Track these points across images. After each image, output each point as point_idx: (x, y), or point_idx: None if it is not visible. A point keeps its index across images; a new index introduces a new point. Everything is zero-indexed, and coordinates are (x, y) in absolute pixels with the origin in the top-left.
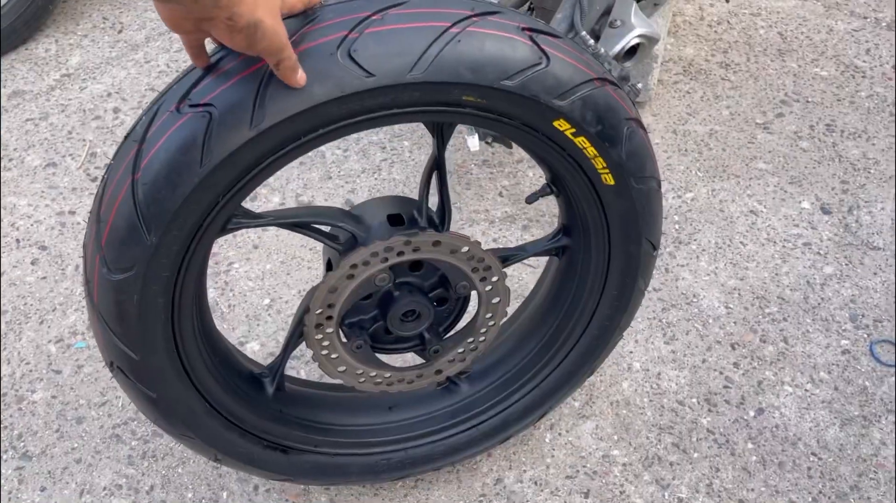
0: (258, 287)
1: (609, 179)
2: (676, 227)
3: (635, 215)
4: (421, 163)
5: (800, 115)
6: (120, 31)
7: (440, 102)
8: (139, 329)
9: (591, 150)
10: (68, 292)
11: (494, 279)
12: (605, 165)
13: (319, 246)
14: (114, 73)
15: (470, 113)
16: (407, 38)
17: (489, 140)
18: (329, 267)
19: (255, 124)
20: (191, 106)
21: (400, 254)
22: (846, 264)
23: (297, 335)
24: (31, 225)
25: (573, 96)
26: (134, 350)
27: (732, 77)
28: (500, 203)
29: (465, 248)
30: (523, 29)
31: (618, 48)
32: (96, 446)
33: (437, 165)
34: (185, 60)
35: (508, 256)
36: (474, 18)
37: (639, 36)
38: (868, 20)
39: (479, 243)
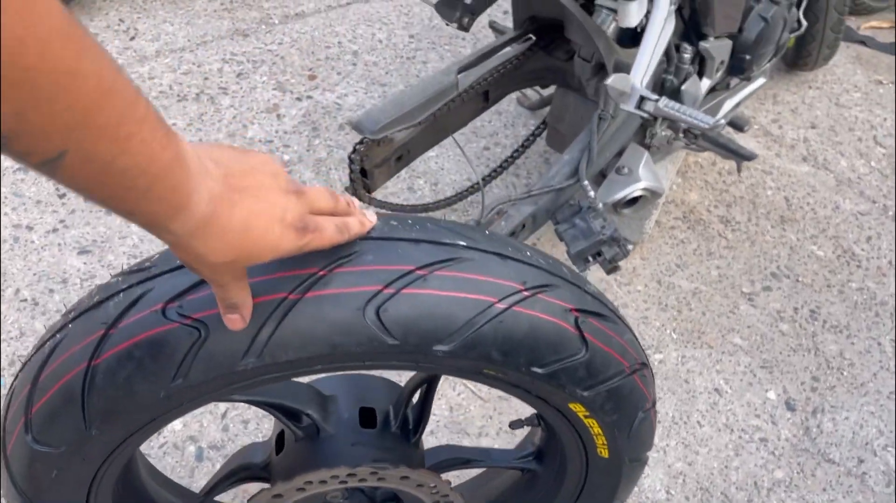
0: None
1: (604, 453)
2: None
3: (617, 482)
4: None
5: (787, 293)
6: (132, 38)
7: (453, 368)
8: (50, 496)
9: (596, 429)
10: None
11: None
12: (605, 443)
13: None
14: None
15: (480, 376)
16: (446, 309)
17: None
18: (280, 443)
19: (250, 357)
20: (180, 314)
21: (362, 480)
22: (798, 472)
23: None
24: None
25: (600, 387)
26: None
27: (730, 235)
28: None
29: (433, 484)
30: (572, 310)
31: (619, 196)
32: None
33: (427, 382)
34: (188, 90)
35: (470, 460)
36: (525, 293)
37: (643, 189)
38: (876, 205)
39: (449, 483)
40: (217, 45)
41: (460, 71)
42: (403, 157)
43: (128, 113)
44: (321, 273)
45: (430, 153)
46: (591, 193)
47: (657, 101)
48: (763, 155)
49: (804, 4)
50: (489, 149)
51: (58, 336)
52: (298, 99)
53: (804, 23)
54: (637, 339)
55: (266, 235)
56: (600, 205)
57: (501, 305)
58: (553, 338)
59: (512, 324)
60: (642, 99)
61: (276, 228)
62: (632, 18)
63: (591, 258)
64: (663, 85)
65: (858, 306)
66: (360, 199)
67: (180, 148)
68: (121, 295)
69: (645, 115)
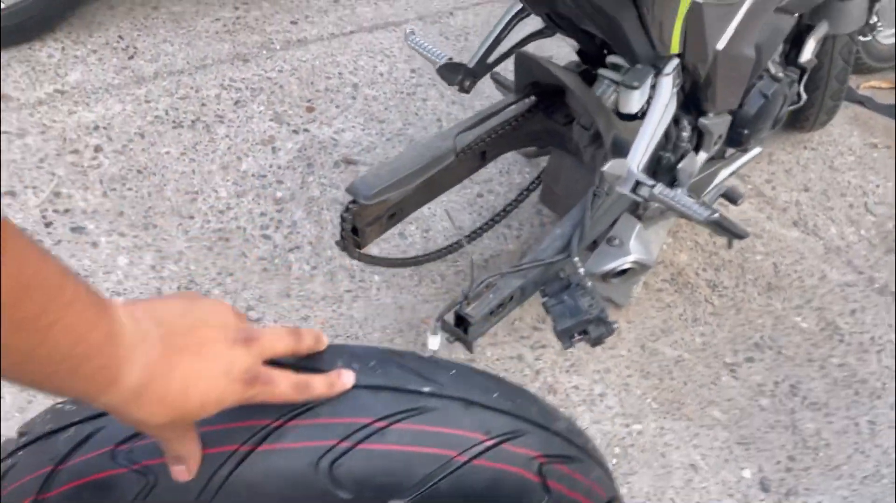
0: None
1: None
2: (615, 460)
3: None
4: (386, 305)
5: (769, 365)
6: (131, 57)
7: None
8: None
9: None
10: None
11: None
12: None
13: None
14: (109, 104)
15: None
16: (404, 463)
17: (451, 340)
18: None
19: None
20: (129, 460)
21: None
22: None
23: None
24: None
25: None
26: None
27: (716, 301)
28: None
29: None
30: (536, 458)
31: (608, 268)
32: None
33: None
34: (184, 116)
35: None
36: (487, 444)
37: (632, 262)
38: (862, 276)
39: None
40: (216, 70)
41: (458, 134)
42: (396, 214)
43: (51, 302)
44: (275, 425)
45: None
46: (582, 270)
47: (652, 187)
48: (755, 217)
49: (805, 78)
50: (482, 196)
51: (9, 461)
52: (295, 132)
53: (804, 96)
54: (608, 473)
55: (209, 392)
56: (589, 283)
57: (462, 458)
58: (514, 489)
59: (471, 477)
60: (638, 183)
61: (220, 383)
62: (633, 105)
63: (576, 335)
64: (660, 161)
65: (838, 383)
66: (350, 256)
67: (112, 321)
68: (72, 429)
69: (639, 200)
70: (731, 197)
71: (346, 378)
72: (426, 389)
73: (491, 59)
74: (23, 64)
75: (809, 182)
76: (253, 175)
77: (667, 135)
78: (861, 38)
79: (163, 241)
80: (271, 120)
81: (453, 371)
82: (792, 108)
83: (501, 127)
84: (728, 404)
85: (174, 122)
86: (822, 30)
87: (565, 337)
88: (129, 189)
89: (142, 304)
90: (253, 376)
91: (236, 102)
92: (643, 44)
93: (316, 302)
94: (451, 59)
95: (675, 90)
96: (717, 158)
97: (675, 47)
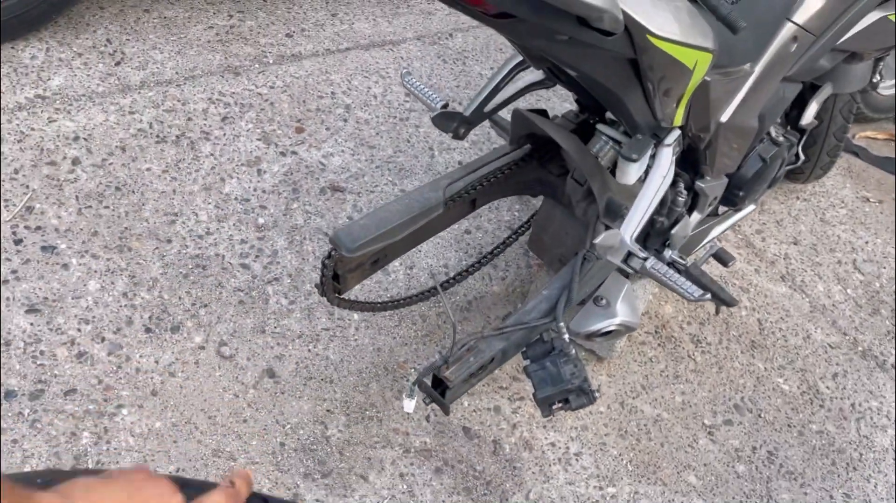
0: (137, 447)
1: None
2: None
3: None
4: (364, 346)
5: (747, 429)
6: (118, 63)
7: None
8: None
9: None
10: None
11: None
12: None
13: (232, 409)
14: (91, 114)
15: None
16: None
17: (427, 402)
18: None
19: None
20: None
21: None
22: None
23: None
24: None
25: None
26: None
27: (699, 358)
28: (421, 430)
29: None
30: None
31: (593, 329)
32: None
33: None
34: (169, 131)
35: None
36: None
37: (618, 324)
38: (847, 338)
39: None
40: (206, 82)
41: (448, 185)
42: (380, 260)
43: None
44: None
45: None
46: (566, 336)
47: (645, 259)
48: (743, 269)
49: (804, 139)
50: (470, 232)
51: None
52: (283, 153)
53: (802, 157)
54: None
55: None
56: (573, 350)
57: None
58: None
59: None
60: (630, 254)
61: None
62: (631, 177)
63: (557, 403)
64: (653, 225)
65: (816, 452)
66: (329, 302)
67: None
68: None
69: (630, 272)
70: (723, 259)
71: None
72: None
73: (488, 108)
74: (4, 65)
75: (800, 235)
76: (236, 198)
77: (662, 200)
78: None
79: (137, 265)
80: (259, 139)
81: None
82: (789, 167)
83: (493, 174)
84: (704, 469)
85: (158, 136)
86: (825, 92)
87: (545, 405)
88: (106, 207)
89: (80, 493)
90: None
91: (224, 118)
92: (645, 116)
93: (292, 340)
94: (446, 104)
95: (674, 158)
96: (711, 216)
97: (679, 120)
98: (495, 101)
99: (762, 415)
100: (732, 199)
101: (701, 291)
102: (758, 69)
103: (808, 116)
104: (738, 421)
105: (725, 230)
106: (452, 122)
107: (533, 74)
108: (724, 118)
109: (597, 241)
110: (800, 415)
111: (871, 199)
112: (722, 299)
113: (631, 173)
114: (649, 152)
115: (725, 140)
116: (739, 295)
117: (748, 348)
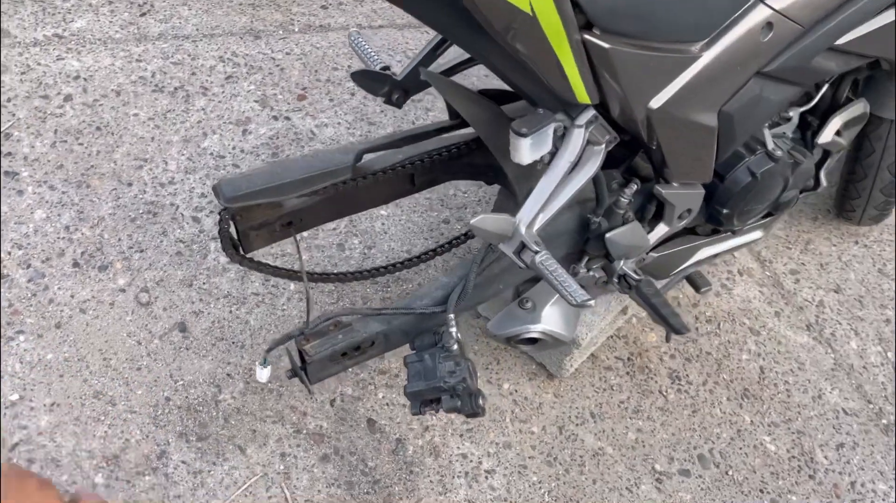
0: (21, 374)
1: None
2: None
3: None
4: (291, 318)
5: (706, 485)
6: (143, 14)
7: None
8: None
9: None
10: None
11: None
12: None
13: (122, 374)
14: (99, 57)
15: None
16: None
17: (289, 375)
18: None
19: None
20: None
21: None
22: None
23: None
24: None
25: None
26: None
27: (672, 396)
28: (321, 413)
29: None
30: None
31: (509, 333)
32: None
33: None
34: (169, 82)
35: None
36: None
37: (540, 333)
38: (871, 406)
39: None
40: (222, 42)
41: (364, 152)
42: (294, 223)
43: None
44: None
45: (382, 211)
46: (453, 331)
47: (536, 253)
48: (759, 309)
49: (828, 164)
50: (448, 222)
51: None
52: (275, 118)
53: (823, 183)
54: None
55: None
56: (456, 346)
57: None
58: None
59: None
60: (523, 246)
61: None
62: (523, 156)
63: (430, 403)
64: (587, 225)
65: None
66: (230, 259)
67: None
68: None
69: (521, 266)
70: (696, 283)
71: None
72: None
73: (424, 75)
74: (35, 3)
75: (845, 283)
76: (211, 154)
77: (598, 195)
78: None
79: (89, 202)
80: (256, 101)
81: None
82: (805, 192)
83: (437, 152)
84: None
85: (156, 85)
86: (855, 110)
87: (415, 401)
88: (80, 144)
89: None
90: None
91: (228, 77)
92: (536, 86)
93: (217, 299)
94: (388, 67)
95: (600, 148)
96: (691, 234)
97: (583, 95)
98: (439, 65)
99: (730, 473)
100: (716, 216)
101: (585, 297)
102: (710, 53)
103: (828, 135)
104: (697, 473)
105: (719, 255)
106: (381, 86)
107: None
108: (654, 104)
109: (473, 221)
110: (779, 482)
111: None
112: (671, 325)
113: (522, 151)
114: (549, 130)
115: (673, 136)
116: (746, 336)
117: (737, 396)
